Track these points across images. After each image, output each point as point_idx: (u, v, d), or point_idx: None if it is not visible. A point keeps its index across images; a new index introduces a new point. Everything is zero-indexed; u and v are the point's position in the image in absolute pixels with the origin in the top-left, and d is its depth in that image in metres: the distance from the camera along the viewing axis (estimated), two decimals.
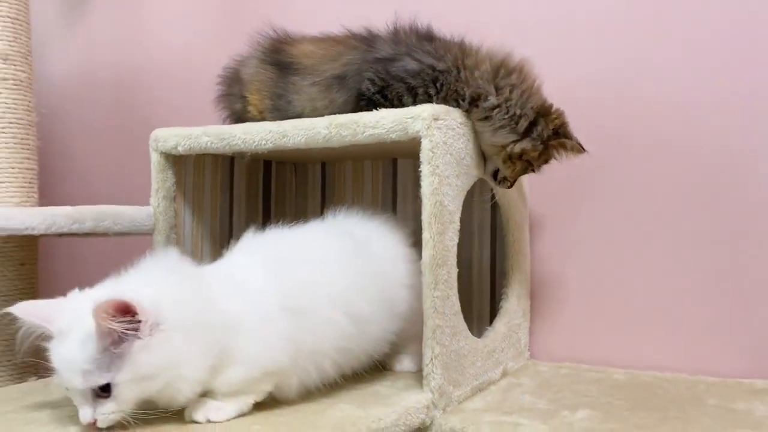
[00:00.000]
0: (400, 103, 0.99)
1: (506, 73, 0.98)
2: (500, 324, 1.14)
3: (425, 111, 0.91)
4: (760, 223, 1.12)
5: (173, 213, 1.18)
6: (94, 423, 0.72)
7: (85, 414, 0.72)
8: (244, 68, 1.15)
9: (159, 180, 1.17)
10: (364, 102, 1.01)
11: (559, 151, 1.02)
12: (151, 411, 0.76)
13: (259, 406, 0.83)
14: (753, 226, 1.12)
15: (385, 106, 0.98)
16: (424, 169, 0.91)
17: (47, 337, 0.76)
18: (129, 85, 1.75)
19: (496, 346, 1.11)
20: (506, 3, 1.31)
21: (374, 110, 0.97)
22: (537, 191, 1.27)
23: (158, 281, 0.79)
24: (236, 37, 1.56)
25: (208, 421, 0.78)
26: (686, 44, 1.17)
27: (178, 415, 0.78)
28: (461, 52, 1.00)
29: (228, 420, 0.79)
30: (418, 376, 1.01)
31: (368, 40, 1.05)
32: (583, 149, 1.03)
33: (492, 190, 1.14)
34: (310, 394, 0.88)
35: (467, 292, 1.27)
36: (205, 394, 0.80)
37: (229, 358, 0.78)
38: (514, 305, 1.18)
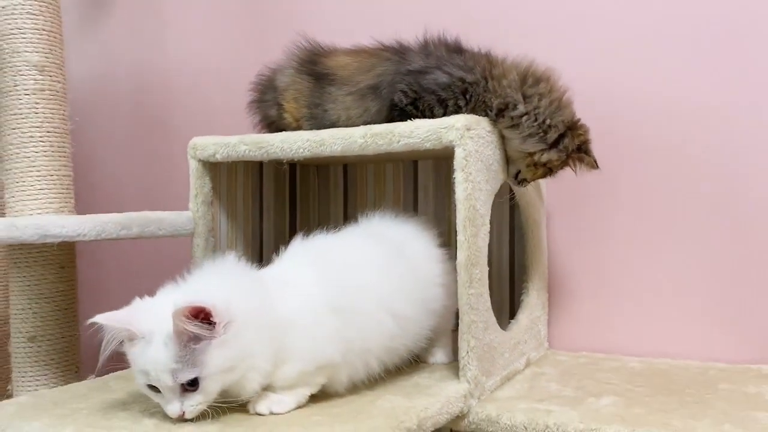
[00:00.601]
0: (431, 114, 1.05)
1: (534, 82, 1.05)
2: (523, 316, 1.21)
3: (458, 122, 0.98)
4: (765, 216, 1.19)
5: (210, 217, 1.25)
6: (182, 415, 0.79)
7: (174, 408, 0.80)
8: (280, 77, 1.20)
9: (198, 186, 1.23)
10: (397, 112, 1.08)
11: (577, 164, 1.09)
12: (223, 401, 0.83)
13: (313, 399, 0.89)
14: (759, 218, 1.20)
15: (417, 117, 1.05)
16: (458, 176, 0.98)
17: (124, 344, 0.82)
18: (148, 92, 1.80)
19: (520, 338, 1.18)
20: (507, 6, 1.37)
21: (406, 120, 1.04)
22: (552, 187, 1.33)
23: (225, 283, 0.86)
24: (257, 44, 1.65)
25: (271, 413, 0.84)
26: (687, 47, 1.24)
27: (242, 407, 0.85)
28: (489, 63, 1.06)
29: (289, 411, 0.86)
30: (451, 367, 1.08)
31: (400, 52, 1.11)
32: (597, 166, 1.10)
33: (511, 191, 1.21)
34: (356, 387, 0.95)
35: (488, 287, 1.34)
36: (265, 389, 0.87)
37: (287, 354, 0.85)
38: (534, 299, 1.25)
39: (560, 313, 1.35)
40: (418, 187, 1.43)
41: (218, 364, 0.79)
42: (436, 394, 0.93)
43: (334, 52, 1.19)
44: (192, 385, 0.79)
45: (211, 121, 1.73)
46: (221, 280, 0.86)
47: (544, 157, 1.05)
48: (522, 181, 1.11)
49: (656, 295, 1.28)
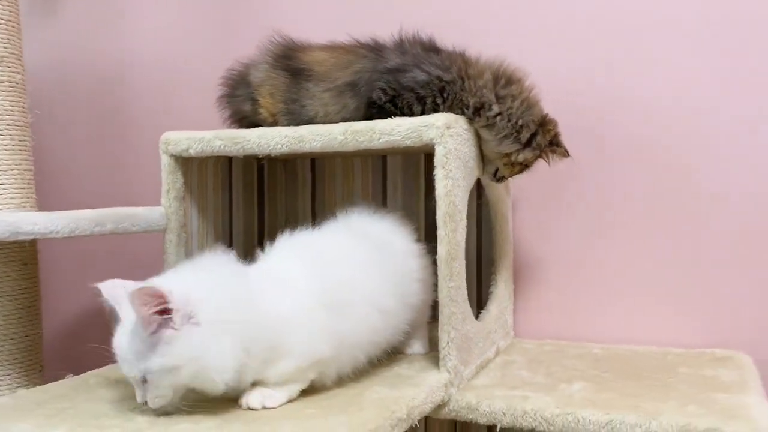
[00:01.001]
0: (410, 112, 1.08)
1: (506, 83, 1.08)
2: (493, 307, 1.25)
3: (439, 120, 1.00)
4: (718, 211, 1.27)
5: (183, 213, 1.24)
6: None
7: (138, 396, 0.82)
8: (254, 72, 1.20)
9: (170, 181, 1.21)
10: (375, 110, 1.09)
11: (550, 156, 1.14)
12: (203, 399, 0.83)
13: (303, 393, 0.91)
14: (711, 213, 1.27)
15: (396, 114, 1.07)
16: (438, 173, 1.01)
17: None
18: (109, 82, 1.76)
19: (491, 327, 1.22)
20: (489, 5, 1.41)
21: (384, 117, 1.06)
22: (517, 182, 1.38)
23: (197, 277, 0.87)
24: (224, 35, 1.63)
25: (264, 408, 0.86)
26: (652, 43, 1.30)
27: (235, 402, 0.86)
28: (464, 62, 1.09)
29: (280, 405, 0.87)
30: (428, 357, 1.12)
31: (376, 49, 1.13)
32: (569, 155, 1.15)
33: (480, 188, 1.26)
34: (341, 380, 0.97)
35: None
36: (256, 384, 0.88)
37: (281, 351, 0.86)
38: (502, 290, 1.29)
39: (524, 303, 1.41)
40: (387, 182, 1.45)
41: (161, 362, 0.78)
42: (419, 384, 0.96)
43: (309, 48, 1.20)
44: (145, 379, 0.80)
45: (175, 113, 1.70)
46: (194, 274, 0.87)
47: (521, 157, 1.09)
48: (501, 178, 1.15)
49: (616, 284, 1.34)
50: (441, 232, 1.01)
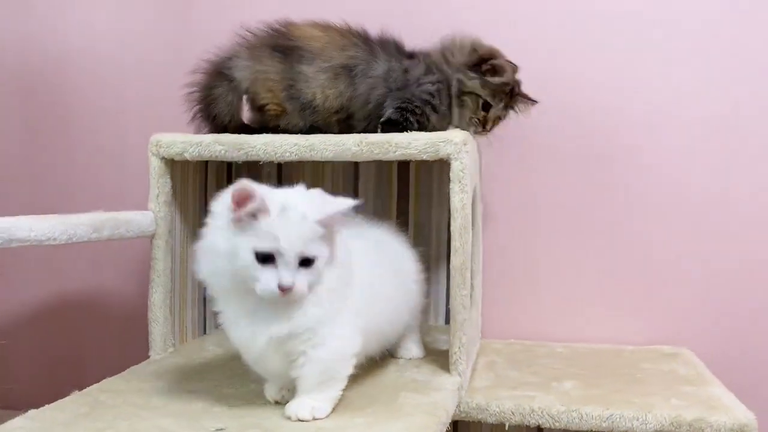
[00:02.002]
0: (427, 120, 1.14)
1: (477, 62, 1.20)
2: (473, 312, 1.32)
3: (457, 137, 1.05)
4: (664, 220, 1.42)
5: (170, 217, 1.19)
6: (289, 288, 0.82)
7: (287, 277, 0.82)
8: (237, 72, 1.19)
9: (159, 185, 1.17)
10: (393, 128, 1.14)
11: (518, 105, 1.23)
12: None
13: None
14: (661, 219, 1.42)
15: (413, 127, 1.13)
16: (455, 187, 1.06)
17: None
18: (42, 74, 1.64)
19: (475, 331, 1.29)
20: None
21: (401, 131, 1.11)
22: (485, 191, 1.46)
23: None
24: (176, 22, 1.56)
25: (314, 419, 0.86)
26: (607, 52, 1.43)
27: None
28: (443, 58, 1.19)
29: (328, 415, 0.88)
30: (429, 361, 1.16)
31: (366, 42, 1.19)
32: (534, 100, 1.24)
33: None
34: (360, 386, 1.00)
35: None
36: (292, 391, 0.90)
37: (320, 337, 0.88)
38: (477, 295, 1.37)
39: (488, 305, 1.49)
40: (359, 187, 1.48)
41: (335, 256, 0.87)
42: (441, 389, 1.01)
43: (297, 24, 1.21)
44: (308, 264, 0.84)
45: (117, 109, 1.62)
46: None
47: (492, 114, 1.20)
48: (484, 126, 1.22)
49: (570, 288, 1.47)
50: (456, 243, 1.06)
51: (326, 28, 1.20)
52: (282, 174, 1.50)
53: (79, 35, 1.62)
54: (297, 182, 1.46)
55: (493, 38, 1.40)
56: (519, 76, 1.23)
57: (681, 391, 1.12)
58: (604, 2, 1.42)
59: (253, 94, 1.19)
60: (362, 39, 1.19)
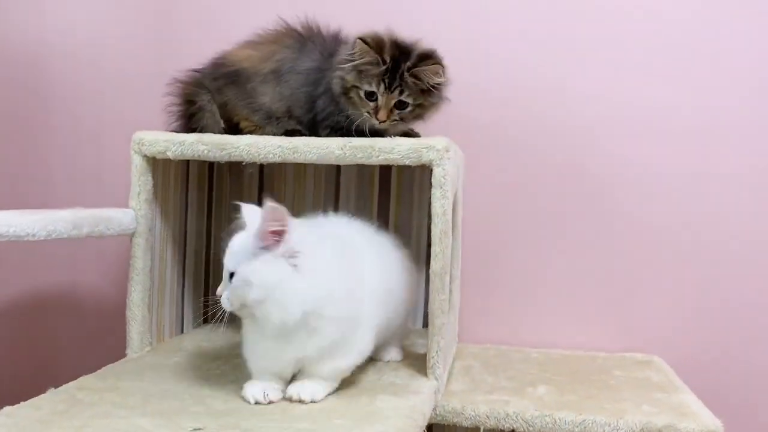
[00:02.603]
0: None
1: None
2: (451, 316, 1.34)
3: (439, 143, 1.07)
4: (637, 231, 1.45)
5: (151, 216, 1.19)
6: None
7: (219, 288, 0.91)
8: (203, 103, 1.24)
9: (141, 183, 1.17)
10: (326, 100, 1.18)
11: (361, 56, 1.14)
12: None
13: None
14: (630, 233, 1.45)
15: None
16: (436, 192, 1.07)
17: None
18: (21, 65, 1.62)
19: (453, 335, 1.31)
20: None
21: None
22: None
23: (320, 234, 0.98)
24: (156, 15, 1.56)
25: (312, 401, 0.93)
26: (592, 70, 1.46)
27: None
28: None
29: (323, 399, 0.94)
30: (407, 365, 1.17)
31: (299, 39, 1.22)
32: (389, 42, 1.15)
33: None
34: (343, 389, 1.01)
35: None
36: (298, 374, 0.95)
37: (347, 342, 0.95)
38: (456, 300, 1.38)
39: (464, 309, 1.51)
40: (340, 189, 1.49)
41: (247, 272, 0.88)
42: (419, 392, 1.02)
43: (231, 51, 1.25)
44: (230, 277, 0.90)
45: (96, 106, 1.61)
46: (322, 232, 1.01)
47: (383, 101, 1.14)
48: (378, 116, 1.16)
49: (544, 295, 1.49)
50: (436, 248, 1.07)
51: (257, 44, 1.24)
52: (263, 174, 1.51)
53: (58, 32, 1.61)
54: (278, 183, 1.50)
55: (477, 51, 1.43)
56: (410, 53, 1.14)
57: (652, 397, 1.14)
58: (591, 15, 1.45)
59: (226, 119, 1.23)
60: (295, 37, 1.23)
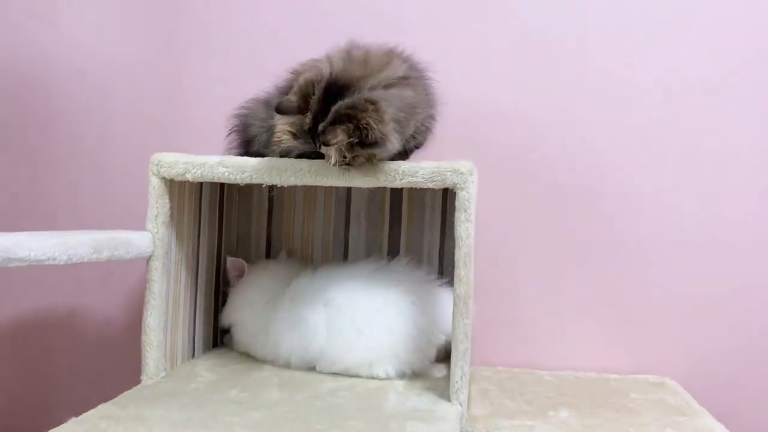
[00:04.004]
0: None
1: None
2: None
3: (464, 166, 1.07)
4: (646, 253, 1.46)
5: (168, 239, 1.17)
6: None
7: None
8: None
9: (159, 205, 1.15)
10: None
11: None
12: None
13: None
14: (640, 257, 1.46)
15: None
16: (460, 216, 1.07)
17: None
18: (27, 83, 1.59)
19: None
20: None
21: None
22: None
23: None
24: (165, 33, 1.55)
25: None
26: (582, 92, 1.47)
27: None
28: None
29: None
30: (428, 389, 1.15)
31: None
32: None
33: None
34: (370, 414, 0.99)
35: None
36: None
37: None
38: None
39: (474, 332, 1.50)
40: (350, 211, 1.48)
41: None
42: (446, 418, 1.01)
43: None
44: None
45: (103, 121, 1.58)
46: None
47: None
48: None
49: (556, 315, 1.49)
50: (461, 272, 1.07)
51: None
52: (273, 197, 1.49)
53: (67, 50, 1.59)
54: (288, 206, 1.49)
55: (480, 74, 1.44)
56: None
57: (674, 421, 1.14)
58: (593, 40, 1.47)
59: None
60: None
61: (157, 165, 1.14)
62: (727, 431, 1.09)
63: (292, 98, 1.04)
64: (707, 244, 1.44)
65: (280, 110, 1.05)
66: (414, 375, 1.23)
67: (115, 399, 1.05)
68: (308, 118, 1.03)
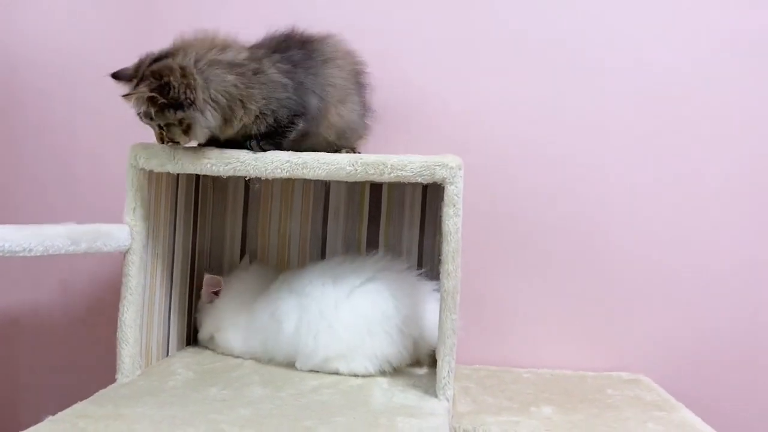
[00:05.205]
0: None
1: None
2: None
3: (453, 161, 1.06)
4: (620, 255, 1.48)
5: (146, 232, 1.13)
6: None
7: None
8: None
9: (138, 198, 1.11)
10: None
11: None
12: None
13: None
14: (612, 261, 1.48)
15: None
16: (449, 210, 1.06)
17: None
18: None
19: None
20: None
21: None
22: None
23: None
24: (136, 23, 1.50)
25: None
26: (569, 109, 1.49)
27: None
28: None
29: None
30: (413, 385, 1.14)
31: None
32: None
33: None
34: (358, 411, 0.98)
35: None
36: None
37: None
38: None
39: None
40: (329, 206, 1.46)
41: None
42: (434, 414, 1.00)
43: None
44: None
45: (68, 114, 1.53)
46: None
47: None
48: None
49: (533, 314, 1.50)
50: (449, 267, 1.06)
51: None
52: (249, 190, 1.46)
53: (31, 34, 1.53)
54: (264, 199, 1.46)
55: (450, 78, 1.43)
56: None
57: (654, 415, 1.16)
58: (576, 75, 1.48)
59: None
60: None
61: (135, 156, 1.10)
62: (705, 425, 1.11)
63: (129, 68, 1.07)
64: (678, 243, 1.47)
65: (115, 76, 1.08)
66: (395, 372, 1.21)
67: (92, 397, 1.01)
68: (134, 83, 1.05)
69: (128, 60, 1.48)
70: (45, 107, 1.53)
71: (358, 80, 1.26)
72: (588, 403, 1.22)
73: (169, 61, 1.03)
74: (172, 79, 1.01)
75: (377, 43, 1.46)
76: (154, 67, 1.03)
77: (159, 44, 1.46)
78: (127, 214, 1.11)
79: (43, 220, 1.39)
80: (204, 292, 1.33)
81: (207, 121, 1.04)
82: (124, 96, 1.03)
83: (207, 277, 1.32)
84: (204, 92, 1.03)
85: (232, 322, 1.28)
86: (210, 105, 1.04)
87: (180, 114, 1.03)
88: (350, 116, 1.21)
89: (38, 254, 0.93)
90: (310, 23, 1.45)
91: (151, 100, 1.02)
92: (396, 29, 1.48)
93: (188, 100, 1.02)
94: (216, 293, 1.32)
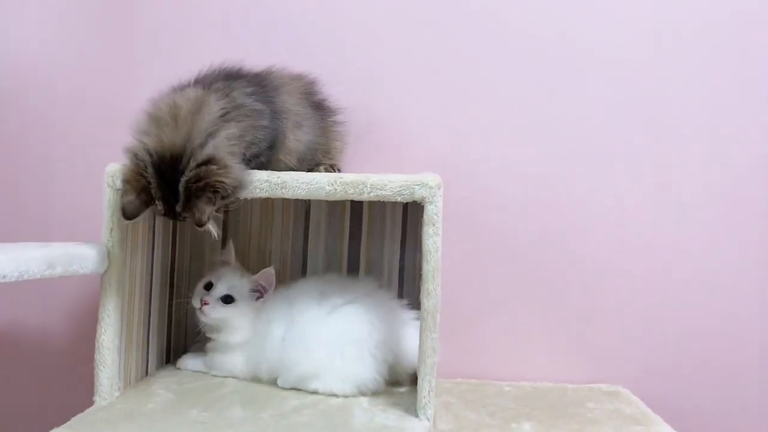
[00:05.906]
0: None
1: None
2: None
3: (432, 180, 1.06)
4: (599, 266, 1.50)
5: (123, 252, 1.12)
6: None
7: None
8: None
9: (115, 219, 1.10)
10: None
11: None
12: None
13: None
14: (592, 277, 1.49)
15: None
16: (429, 230, 1.06)
17: None
18: None
19: None
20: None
21: None
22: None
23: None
24: (115, 36, 1.50)
25: None
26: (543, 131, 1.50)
27: None
28: None
29: None
30: (394, 405, 1.14)
31: None
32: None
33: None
34: None
35: None
36: None
37: None
38: None
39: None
40: (310, 223, 1.45)
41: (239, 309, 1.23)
42: None
43: None
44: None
45: (50, 129, 1.51)
46: None
47: None
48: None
49: (513, 328, 1.50)
50: (429, 286, 1.07)
51: None
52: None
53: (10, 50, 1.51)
54: (244, 216, 1.45)
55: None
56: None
57: (631, 429, 1.16)
58: (553, 93, 1.49)
59: None
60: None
61: (112, 176, 1.09)
62: None
63: (131, 198, 1.03)
64: (655, 255, 1.49)
65: (128, 216, 1.03)
66: (373, 392, 1.20)
67: (69, 422, 1.00)
68: (160, 206, 1.03)
69: (101, 65, 1.45)
70: (22, 123, 1.52)
71: (312, 100, 1.28)
72: (568, 418, 1.22)
73: (197, 168, 1.00)
74: (218, 178, 1.00)
75: (360, 63, 1.47)
76: (195, 182, 1.00)
77: (135, 50, 1.43)
78: (104, 235, 1.10)
79: (19, 239, 1.39)
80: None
81: (244, 178, 1.05)
82: (200, 227, 1.02)
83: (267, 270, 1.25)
84: (232, 160, 1.03)
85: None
86: (237, 163, 1.05)
87: (237, 196, 1.04)
88: (308, 138, 1.23)
89: (13, 280, 0.92)
90: (294, 46, 1.47)
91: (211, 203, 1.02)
92: (379, 53, 1.49)
93: (238, 183, 1.03)
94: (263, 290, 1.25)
